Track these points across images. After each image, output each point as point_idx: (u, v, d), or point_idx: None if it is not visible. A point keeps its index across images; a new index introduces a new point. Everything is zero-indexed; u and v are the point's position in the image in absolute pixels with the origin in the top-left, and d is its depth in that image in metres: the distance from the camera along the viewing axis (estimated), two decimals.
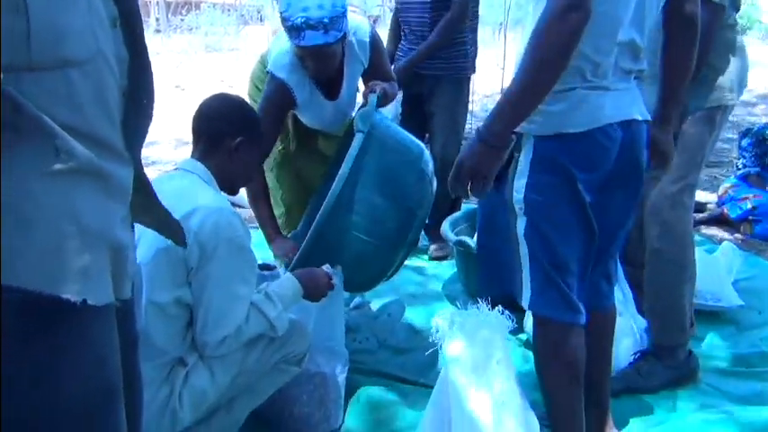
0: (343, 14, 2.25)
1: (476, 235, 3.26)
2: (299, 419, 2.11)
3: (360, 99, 2.55)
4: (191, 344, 1.76)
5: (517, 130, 1.58)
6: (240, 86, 3.05)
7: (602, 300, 1.90)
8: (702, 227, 4.35)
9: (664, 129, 1.85)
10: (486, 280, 2.85)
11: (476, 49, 3.82)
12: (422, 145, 2.46)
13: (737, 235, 4.21)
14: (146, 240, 1.67)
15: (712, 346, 2.73)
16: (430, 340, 1.81)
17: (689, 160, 2.23)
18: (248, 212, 4.13)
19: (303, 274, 1.97)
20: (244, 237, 1.77)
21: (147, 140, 1.14)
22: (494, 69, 6.85)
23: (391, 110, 3.10)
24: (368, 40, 2.51)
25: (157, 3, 20.03)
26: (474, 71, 3.75)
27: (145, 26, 1.13)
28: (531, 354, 2.61)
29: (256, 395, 1.92)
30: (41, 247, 0.84)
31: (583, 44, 1.47)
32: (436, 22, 3.44)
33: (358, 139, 2.17)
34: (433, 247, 3.75)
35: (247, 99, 2.56)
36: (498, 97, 1.60)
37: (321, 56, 2.32)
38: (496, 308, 1.82)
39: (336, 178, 2.12)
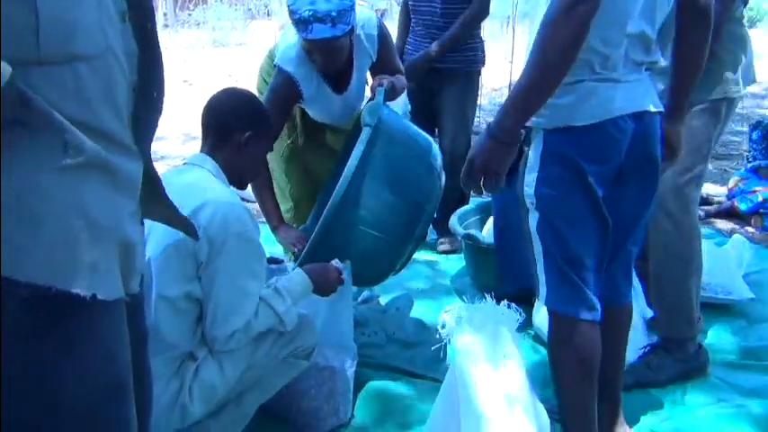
0: (351, 7, 2.25)
1: (484, 228, 3.26)
2: (307, 413, 2.11)
3: (368, 93, 2.54)
4: (200, 338, 1.77)
5: (526, 123, 1.57)
6: (247, 81, 3.05)
7: (619, 295, 1.88)
8: (712, 220, 4.32)
9: (673, 121, 1.84)
10: (501, 275, 2.85)
11: (482, 42, 3.81)
12: (430, 139, 2.45)
13: (748, 228, 4.18)
14: (156, 235, 1.68)
15: (722, 340, 2.72)
16: (437, 336, 1.80)
17: (694, 152, 2.22)
18: (257, 206, 4.14)
19: (313, 269, 1.97)
20: (253, 231, 1.77)
21: (156, 135, 1.14)
22: (502, 63, 6.82)
23: (400, 104, 3.09)
24: (376, 33, 2.50)
25: None
26: (484, 64, 3.74)
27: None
28: (540, 347, 2.62)
29: (265, 389, 1.92)
30: (50, 242, 0.84)
31: (591, 36, 1.46)
32: (447, 15, 3.43)
33: (365, 133, 2.16)
34: (441, 241, 3.75)
35: (256, 93, 2.56)
36: (507, 91, 1.59)
37: (329, 49, 2.32)
38: (502, 302, 1.82)
39: (343, 173, 2.12)
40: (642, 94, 1.67)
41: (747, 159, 4.90)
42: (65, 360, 0.88)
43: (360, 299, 3.02)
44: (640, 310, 2.49)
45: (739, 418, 2.14)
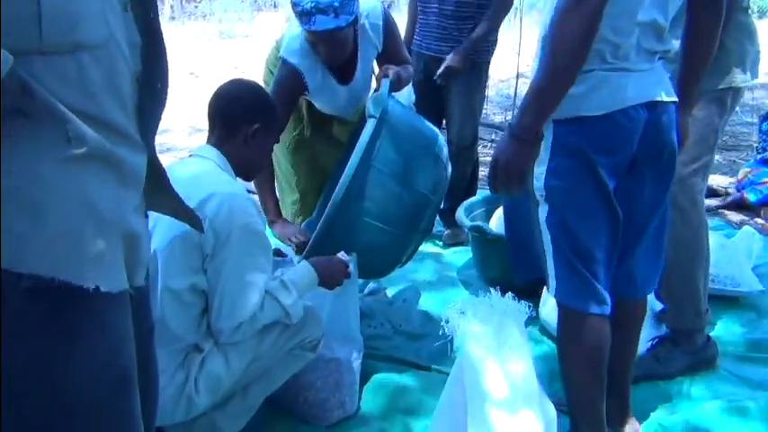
0: None
1: (492, 220, 3.24)
2: (313, 405, 2.11)
3: (374, 84, 2.53)
4: (206, 330, 1.77)
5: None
6: (254, 73, 3.03)
7: (634, 289, 1.86)
8: (722, 211, 4.29)
9: (683, 110, 1.82)
10: (510, 267, 2.83)
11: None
12: (436, 129, 2.44)
13: (757, 219, 4.15)
14: (161, 227, 1.68)
15: (731, 332, 2.70)
16: (440, 333, 1.79)
17: (700, 143, 2.20)
18: None
19: (319, 262, 1.97)
20: (259, 223, 1.77)
21: (162, 127, 1.13)
22: (509, 54, 6.78)
23: (405, 94, 3.07)
24: (381, 23, 2.49)
25: None
26: (491, 55, 3.70)
27: (159, 13, 1.11)
28: (546, 340, 2.61)
29: (271, 381, 1.92)
30: (52, 233, 0.83)
31: (601, 26, 1.45)
32: (456, 5, 3.40)
33: (370, 125, 2.15)
34: (447, 232, 3.74)
35: (262, 85, 2.55)
36: (514, 82, 1.58)
37: (332, 41, 2.30)
38: (507, 294, 1.81)
39: (348, 164, 2.11)
40: (654, 84, 1.64)
41: (757, 150, 4.86)
42: (69, 352, 0.88)
43: (366, 291, 3.02)
44: (649, 302, 2.48)
45: (748, 411, 2.12)
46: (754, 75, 2.31)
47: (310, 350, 1.96)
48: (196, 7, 17.69)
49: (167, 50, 1.08)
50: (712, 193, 4.27)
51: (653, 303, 2.50)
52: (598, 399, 1.77)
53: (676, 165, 1.78)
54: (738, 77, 2.25)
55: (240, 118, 1.87)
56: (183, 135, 6.39)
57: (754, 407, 2.14)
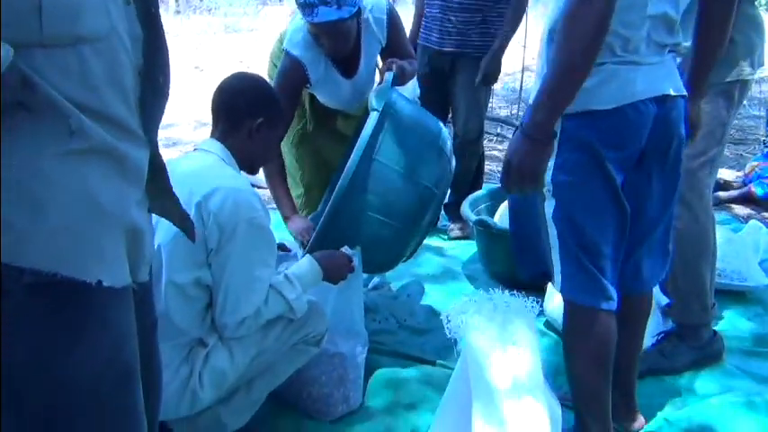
0: None
1: (497, 214, 3.23)
2: (318, 400, 2.11)
3: (378, 78, 2.52)
4: (210, 325, 1.77)
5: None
6: (259, 67, 3.03)
7: (641, 283, 1.85)
8: (729, 205, 4.27)
9: (693, 101, 1.80)
10: (515, 261, 2.82)
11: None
12: (440, 123, 2.42)
13: (765, 213, 4.13)
14: (165, 221, 1.67)
15: (737, 327, 2.69)
16: (442, 334, 1.79)
17: (707, 136, 2.18)
18: (268, 193, 4.14)
19: (323, 256, 1.96)
20: (263, 217, 1.76)
21: (167, 121, 1.13)
22: (515, 47, 6.74)
23: (409, 88, 3.06)
24: (385, 17, 2.47)
25: None
26: None
27: (164, 7, 1.11)
28: (551, 334, 2.60)
29: (275, 376, 1.92)
30: (53, 228, 0.83)
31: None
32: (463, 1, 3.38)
33: (372, 118, 2.14)
34: (452, 226, 3.73)
35: (267, 78, 2.54)
36: (519, 76, 1.56)
37: (335, 33, 2.29)
38: (512, 291, 1.80)
39: (350, 158, 2.10)
40: (664, 78, 1.62)
41: (764, 144, 4.84)
42: (71, 348, 0.88)
43: (371, 285, 3.01)
44: (654, 296, 2.47)
45: (754, 406, 2.11)
46: (760, 64, 2.29)
47: (314, 345, 1.96)
48: (201, 1, 17.68)
49: (171, 44, 1.07)
50: (719, 186, 4.25)
51: (659, 298, 2.49)
52: (603, 393, 1.76)
53: (683, 158, 1.77)
54: (746, 70, 2.23)
55: (244, 112, 1.86)
56: (189, 129, 6.39)
57: (761, 401, 2.13)
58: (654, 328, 2.43)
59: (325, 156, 2.82)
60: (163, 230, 1.67)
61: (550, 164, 1.62)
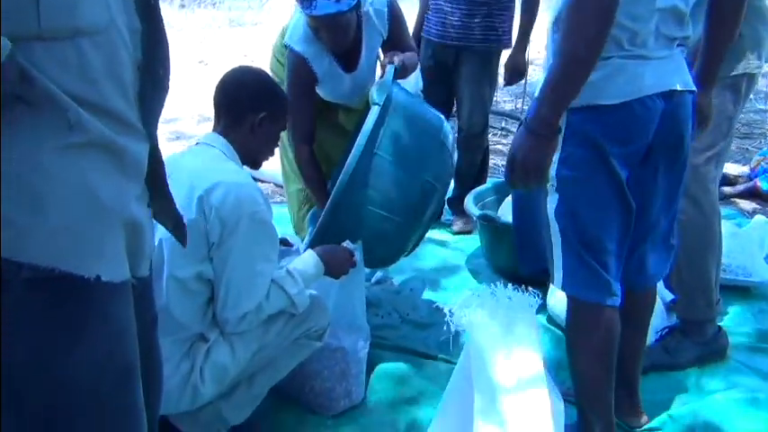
0: None
1: (500, 209, 3.22)
2: (320, 394, 2.11)
3: (380, 71, 2.50)
4: (211, 320, 1.76)
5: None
6: (263, 61, 3.01)
7: (645, 278, 1.84)
8: (734, 200, 4.25)
9: (704, 94, 1.79)
10: (519, 256, 2.81)
11: (508, 24, 3.73)
12: (441, 117, 2.41)
13: None
14: None
15: (742, 322, 2.68)
16: (447, 324, 1.78)
17: (714, 130, 2.17)
18: (270, 187, 4.13)
19: (324, 251, 1.96)
20: (265, 212, 1.75)
21: (171, 116, 1.12)
22: None
23: (411, 82, 3.04)
24: (386, 10, 2.46)
25: None
26: (505, 46, 3.64)
27: (169, 1, 1.10)
28: (554, 330, 2.59)
29: (277, 370, 1.92)
30: (52, 223, 0.83)
31: (618, 12, 1.40)
32: None
33: (373, 112, 2.13)
34: (456, 220, 3.72)
35: (270, 73, 2.53)
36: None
37: (335, 26, 2.28)
38: (514, 285, 1.80)
39: (351, 152, 2.09)
40: (672, 72, 1.61)
41: None
42: (70, 343, 0.87)
43: (373, 280, 3.01)
44: (659, 292, 2.46)
45: (758, 403, 2.10)
46: (766, 60, 2.27)
47: (316, 339, 1.95)
48: None
49: (175, 38, 1.06)
50: (725, 181, 4.22)
51: (663, 293, 2.48)
52: (607, 389, 1.76)
53: (689, 153, 1.75)
54: (753, 63, 2.21)
55: (246, 106, 1.85)
56: (192, 123, 6.38)
57: (765, 398, 2.12)
58: (658, 323, 2.42)
59: (327, 150, 2.81)
60: None
61: (554, 158, 1.61)
